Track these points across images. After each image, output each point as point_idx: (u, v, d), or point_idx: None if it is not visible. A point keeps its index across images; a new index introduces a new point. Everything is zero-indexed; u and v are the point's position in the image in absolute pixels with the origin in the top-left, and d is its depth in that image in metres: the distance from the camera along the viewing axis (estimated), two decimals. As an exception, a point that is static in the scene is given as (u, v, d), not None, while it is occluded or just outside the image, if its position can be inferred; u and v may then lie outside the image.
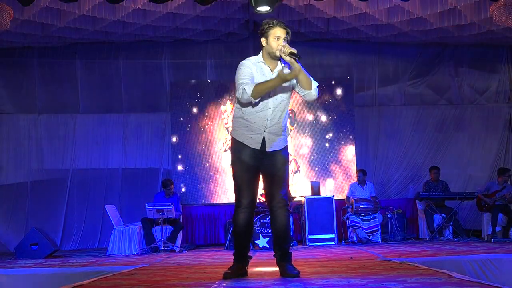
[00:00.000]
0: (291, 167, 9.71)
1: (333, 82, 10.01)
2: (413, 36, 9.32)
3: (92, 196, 9.85)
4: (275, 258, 3.71)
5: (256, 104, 3.58)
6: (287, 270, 3.56)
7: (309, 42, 10.14)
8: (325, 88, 9.81)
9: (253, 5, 7.26)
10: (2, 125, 9.97)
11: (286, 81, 3.51)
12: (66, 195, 9.79)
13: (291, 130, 9.80)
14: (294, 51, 3.47)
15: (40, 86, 10.08)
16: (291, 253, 3.70)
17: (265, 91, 3.52)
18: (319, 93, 3.79)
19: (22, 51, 9.95)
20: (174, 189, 8.61)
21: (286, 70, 3.51)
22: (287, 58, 3.49)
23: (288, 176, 3.74)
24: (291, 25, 9.15)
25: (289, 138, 9.75)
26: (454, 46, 10.22)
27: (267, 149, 3.63)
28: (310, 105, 9.77)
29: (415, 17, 8.45)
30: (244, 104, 3.60)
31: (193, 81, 10.13)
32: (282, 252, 3.66)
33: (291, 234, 3.80)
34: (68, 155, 9.96)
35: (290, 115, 9.81)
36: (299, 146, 9.83)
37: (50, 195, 9.79)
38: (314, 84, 3.65)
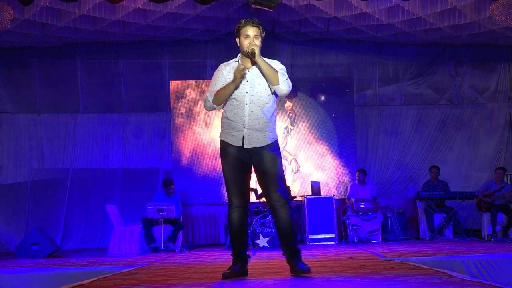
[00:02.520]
0: (291, 166, 9.71)
1: (333, 81, 10.01)
2: (413, 36, 9.32)
3: (92, 196, 9.85)
4: (285, 257, 3.70)
5: (234, 101, 3.67)
6: (297, 267, 3.55)
7: (309, 42, 10.14)
8: (325, 87, 9.82)
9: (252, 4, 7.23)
10: (2, 125, 9.97)
11: (240, 78, 3.58)
12: (66, 195, 9.79)
13: (291, 130, 9.80)
14: (256, 49, 3.56)
15: (40, 86, 10.08)
16: (299, 249, 3.69)
17: (226, 95, 3.68)
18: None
19: (22, 51, 9.94)
20: (174, 189, 8.62)
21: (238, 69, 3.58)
22: (250, 58, 3.62)
23: (283, 173, 3.69)
24: (292, 24, 9.16)
25: (289, 138, 9.90)
26: (454, 46, 10.21)
27: (245, 146, 3.64)
28: (310, 105, 9.77)
29: (415, 17, 8.45)
30: (209, 110, 3.85)
31: (193, 81, 10.13)
32: (290, 251, 3.65)
33: (296, 231, 3.78)
34: (68, 155, 9.97)
35: (290, 114, 9.81)
36: (299, 146, 9.83)
37: (50, 195, 9.80)
38: (282, 78, 3.62)
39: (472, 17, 8.20)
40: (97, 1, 7.73)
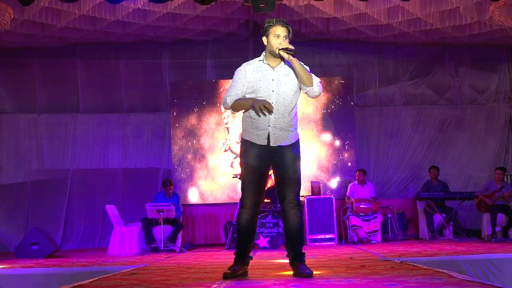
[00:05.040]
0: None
1: (333, 82, 10.01)
2: (413, 36, 9.31)
3: (92, 196, 9.85)
4: (288, 258, 3.71)
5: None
6: (300, 270, 3.56)
7: (309, 42, 10.14)
8: (325, 88, 9.81)
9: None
10: (2, 125, 9.97)
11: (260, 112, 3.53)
12: (66, 195, 9.79)
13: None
14: (291, 47, 3.55)
15: (40, 86, 10.08)
16: (304, 253, 3.70)
17: (241, 108, 3.70)
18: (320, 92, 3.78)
19: (22, 51, 9.94)
20: (174, 189, 8.61)
21: (262, 107, 3.50)
22: (285, 55, 3.57)
23: (300, 175, 3.69)
24: (291, 25, 9.12)
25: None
26: (454, 46, 10.21)
27: (271, 144, 3.63)
28: (310, 105, 9.77)
29: (415, 17, 8.45)
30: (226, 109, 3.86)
31: (193, 81, 10.13)
32: (295, 253, 3.66)
33: (303, 234, 3.78)
34: (68, 155, 9.96)
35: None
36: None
37: (50, 195, 9.79)
38: (315, 80, 3.65)
39: (472, 17, 8.20)
40: (97, 1, 7.73)
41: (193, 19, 8.81)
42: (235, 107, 3.71)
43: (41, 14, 7.87)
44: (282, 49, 3.56)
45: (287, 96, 3.64)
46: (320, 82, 3.70)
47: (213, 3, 7.63)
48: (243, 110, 3.75)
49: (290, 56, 3.56)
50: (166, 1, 7.47)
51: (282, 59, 3.66)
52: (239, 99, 3.70)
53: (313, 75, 3.66)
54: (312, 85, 3.63)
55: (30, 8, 7.59)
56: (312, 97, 3.75)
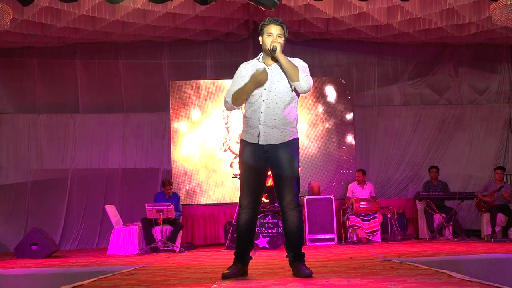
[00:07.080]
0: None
1: (332, 82, 10.01)
2: (413, 36, 9.31)
3: (92, 196, 9.85)
4: (288, 259, 3.71)
5: (252, 98, 3.68)
6: (300, 270, 3.55)
7: (309, 42, 10.14)
8: (324, 88, 9.82)
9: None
10: (2, 125, 9.96)
11: (259, 82, 3.59)
12: (66, 195, 9.79)
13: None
14: (277, 45, 3.59)
15: (40, 86, 10.08)
16: (304, 254, 3.69)
17: (244, 95, 3.69)
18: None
19: (22, 51, 9.94)
20: (174, 189, 8.61)
21: (258, 73, 3.58)
22: (272, 53, 3.63)
23: (298, 176, 3.67)
24: (291, 25, 9.15)
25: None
26: (454, 46, 10.21)
27: (260, 143, 3.63)
28: (309, 105, 9.76)
29: (414, 17, 8.45)
30: (230, 110, 3.89)
31: (193, 81, 10.13)
32: (294, 253, 3.66)
33: (303, 235, 3.77)
34: (68, 155, 9.96)
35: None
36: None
37: (50, 195, 9.79)
38: (302, 74, 3.63)
39: (472, 17, 8.20)
40: (97, 1, 7.72)
41: (193, 19, 8.81)
42: (235, 100, 3.72)
43: (41, 14, 7.87)
44: (271, 48, 3.61)
45: (279, 93, 3.65)
46: (307, 76, 3.65)
47: (213, 3, 7.62)
48: (244, 109, 3.78)
49: (276, 53, 3.58)
50: (165, 1, 7.46)
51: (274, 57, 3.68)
52: (236, 91, 3.73)
53: (301, 70, 3.65)
54: (298, 80, 3.62)
55: (30, 8, 7.59)
56: (301, 93, 3.73)
